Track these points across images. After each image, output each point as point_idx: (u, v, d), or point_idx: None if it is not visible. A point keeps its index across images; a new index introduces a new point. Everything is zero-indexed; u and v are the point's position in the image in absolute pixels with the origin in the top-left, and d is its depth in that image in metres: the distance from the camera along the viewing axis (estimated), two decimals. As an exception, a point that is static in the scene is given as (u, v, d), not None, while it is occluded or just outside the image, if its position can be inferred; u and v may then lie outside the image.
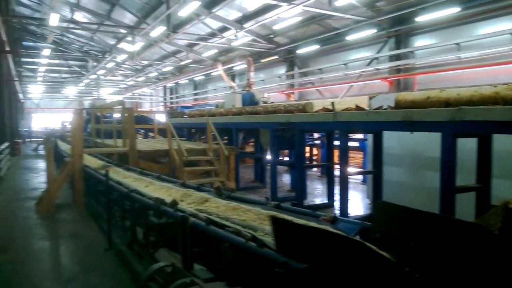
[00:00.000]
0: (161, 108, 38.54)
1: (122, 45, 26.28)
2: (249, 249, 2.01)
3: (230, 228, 2.37)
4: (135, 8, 19.77)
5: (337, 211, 7.98)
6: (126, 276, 4.37)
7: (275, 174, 8.67)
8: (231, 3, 16.38)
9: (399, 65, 14.87)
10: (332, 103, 7.09)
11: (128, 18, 21.43)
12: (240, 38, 18.59)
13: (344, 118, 6.50)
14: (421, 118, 5.31)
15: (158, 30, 16.53)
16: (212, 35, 19.70)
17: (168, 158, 9.30)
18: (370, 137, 8.49)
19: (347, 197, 6.71)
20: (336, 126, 6.72)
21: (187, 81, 32.57)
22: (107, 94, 41.15)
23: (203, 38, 20.41)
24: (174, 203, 3.34)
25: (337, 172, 8.69)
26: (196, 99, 32.94)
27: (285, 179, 12.28)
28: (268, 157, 11.53)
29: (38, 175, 12.63)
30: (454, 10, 12.15)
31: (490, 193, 5.74)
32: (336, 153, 8.67)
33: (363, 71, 16.61)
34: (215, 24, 19.00)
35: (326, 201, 8.78)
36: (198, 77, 29.90)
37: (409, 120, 5.42)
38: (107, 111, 13.92)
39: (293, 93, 20.57)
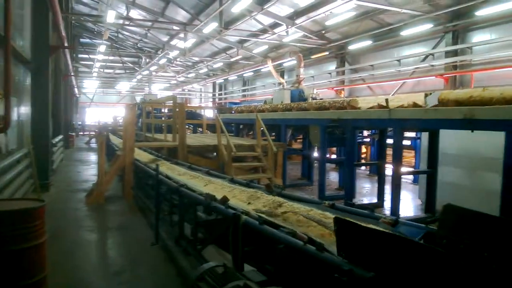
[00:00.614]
0: (210, 104, 39.15)
1: (174, 42, 26.93)
2: (308, 252, 1.87)
3: (285, 229, 2.25)
4: (188, 5, 20.10)
5: (387, 211, 7.64)
6: (172, 271, 4.38)
7: (324, 171, 8.46)
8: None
9: (455, 62, 14.02)
10: (386, 100, 6.77)
11: (181, 15, 21.84)
12: (291, 34, 18.37)
13: (399, 115, 6.19)
14: (484, 116, 4.95)
15: (211, 27, 16.70)
16: (263, 31, 19.63)
17: (217, 153, 9.37)
18: (424, 135, 8.06)
19: (399, 197, 6.38)
20: (390, 124, 6.40)
21: (236, 77, 32.83)
22: (158, 90, 42.43)
23: (254, 35, 20.41)
24: (224, 199, 3.27)
25: (388, 171, 8.36)
26: (244, 95, 33.13)
27: (333, 177, 12.01)
28: (316, 154, 11.35)
29: (90, 168, 13.19)
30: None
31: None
32: (387, 151, 8.37)
33: (417, 68, 15.85)
34: (267, 21, 18.91)
35: (375, 200, 8.45)
36: (247, 74, 29.99)
37: (471, 118, 5.05)
38: (159, 106, 14.26)
39: (343, 89, 20.07)
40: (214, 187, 4.46)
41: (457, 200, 7.18)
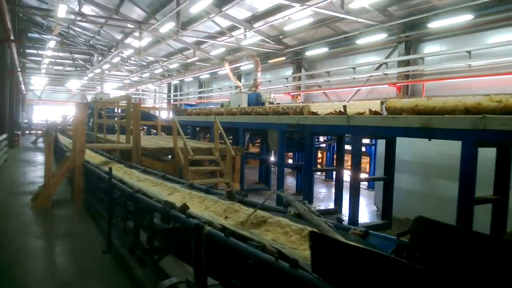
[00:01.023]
0: (165, 105, 38.33)
1: (128, 40, 26.08)
2: (280, 269, 1.75)
3: (254, 242, 2.12)
4: (144, 3, 19.53)
5: (345, 217, 7.73)
6: (126, 282, 4.11)
7: (283, 176, 8.44)
8: (241, 3, 16.14)
9: (408, 71, 14.62)
10: (344, 106, 6.86)
11: (137, 14, 21.19)
12: (249, 38, 18.34)
13: (358, 122, 6.27)
14: (441, 126, 5.10)
15: (167, 26, 16.30)
16: (221, 33, 19.46)
17: (173, 156, 9.09)
18: (380, 142, 8.27)
19: (358, 204, 6.46)
20: (349, 130, 6.48)
21: (192, 79, 32.38)
22: (111, 89, 40.97)
23: (212, 37, 20.17)
24: (184, 208, 3.09)
25: (345, 177, 8.49)
26: (200, 97, 32.74)
27: (289, 181, 12.06)
28: (274, 158, 11.35)
29: (36, 169, 12.38)
30: (466, 18, 11.89)
31: (507, 205, 5.55)
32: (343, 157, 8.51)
33: (371, 76, 16.36)
34: (225, 23, 18.78)
35: (332, 206, 8.55)
36: (204, 76, 29.67)
37: (429, 127, 5.20)
38: (112, 106, 13.67)
39: (299, 95, 20.32)
40: (181, 196, 4.22)
41: (411, 206, 7.42)
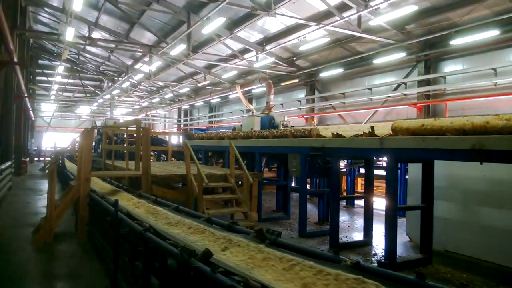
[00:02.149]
0: (175, 130, 38.01)
1: (138, 65, 25.97)
2: None
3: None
4: (154, 28, 19.36)
5: (377, 250, 6.95)
6: None
7: (305, 204, 7.70)
8: (252, 25, 15.82)
9: (428, 91, 13.98)
10: (372, 127, 6.19)
11: (147, 38, 21.05)
12: (260, 60, 17.95)
13: (393, 144, 5.58)
14: (497, 147, 4.39)
15: (178, 49, 15.96)
16: (233, 56, 19.12)
17: (184, 184, 8.45)
18: (412, 166, 7.55)
19: (395, 235, 5.69)
20: (383, 153, 5.79)
21: (203, 103, 32.09)
22: (120, 115, 40.90)
23: (223, 60, 19.86)
24: (207, 254, 2.41)
25: (368, 205, 7.72)
26: (211, 122, 32.35)
27: (308, 209, 11.24)
28: (293, 184, 10.64)
29: (42, 197, 11.78)
30: (490, 34, 11.28)
31: None
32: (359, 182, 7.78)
33: (388, 96, 15.74)
34: (236, 46, 18.45)
35: (360, 237, 7.76)
36: (214, 100, 29.34)
37: (481, 148, 4.50)
38: (121, 131, 13.16)
39: (313, 117, 19.72)
40: (199, 234, 3.50)
41: (450, 237, 6.63)
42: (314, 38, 14.67)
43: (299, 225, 7.77)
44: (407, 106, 14.37)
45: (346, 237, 7.84)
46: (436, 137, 5.02)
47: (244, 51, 18.75)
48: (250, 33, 17.51)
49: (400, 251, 7.02)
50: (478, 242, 6.45)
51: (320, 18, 13.17)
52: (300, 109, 20.72)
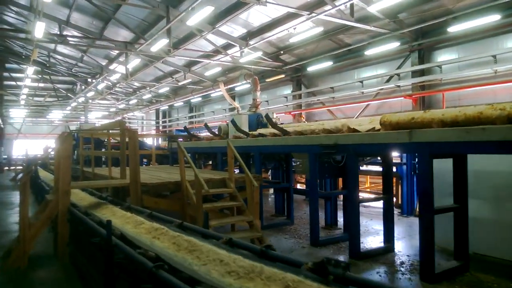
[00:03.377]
0: (153, 132, 36.67)
1: (113, 66, 24.66)
2: None
3: None
4: (131, 25, 18.15)
5: (402, 257, 6.21)
6: None
7: (317, 209, 6.90)
8: (235, 19, 14.94)
9: (424, 81, 13.43)
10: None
11: (122, 36, 19.81)
12: (245, 56, 17.07)
13: (426, 137, 4.84)
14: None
15: (160, 44, 14.88)
16: (216, 52, 18.14)
17: (173, 191, 7.51)
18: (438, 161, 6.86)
19: (432, 243, 4.95)
20: (413, 148, 5.04)
21: (183, 103, 30.93)
22: (95, 118, 39.20)
23: (206, 56, 18.87)
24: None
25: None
26: (191, 122, 31.23)
27: (306, 211, 10.47)
28: (299, 186, 9.85)
29: (13, 212, 10.59)
30: (492, 18, 10.73)
31: None
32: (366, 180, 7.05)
33: (381, 89, 15.15)
34: (218, 42, 17.50)
35: (378, 242, 7.04)
36: (195, 99, 28.29)
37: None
38: (101, 135, 12.04)
39: (301, 113, 18.98)
40: (223, 266, 2.63)
41: (480, 238, 5.94)
42: (302, 30, 13.90)
43: (310, 232, 6.96)
44: (402, 98, 13.79)
45: (362, 242, 7.08)
46: (484, 127, 4.30)
47: (227, 46, 17.84)
48: (233, 28, 16.62)
49: (416, 254, 6.34)
50: (509, 242, 5.82)
51: (310, 7, 12.38)
52: (286, 105, 19.95)
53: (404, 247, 6.80)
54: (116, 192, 8.06)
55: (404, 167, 9.52)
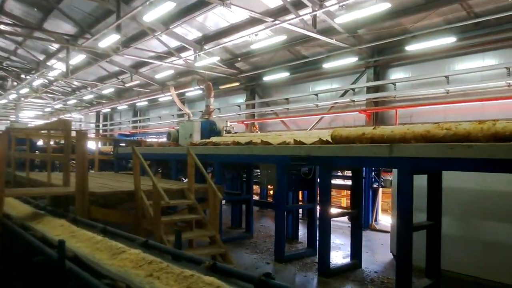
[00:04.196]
0: (92, 136, 34.52)
1: (52, 62, 22.87)
2: None
3: None
4: (73, 19, 16.85)
5: (371, 274, 5.98)
6: None
7: (283, 224, 6.51)
8: (191, 21, 14.37)
9: (378, 98, 13.71)
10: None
11: (64, 30, 18.30)
12: (199, 60, 16.49)
13: (407, 152, 4.65)
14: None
15: (110, 40, 13.82)
16: (168, 54, 17.31)
17: (121, 202, 6.73)
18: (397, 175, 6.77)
19: (410, 264, 4.73)
20: (393, 163, 4.82)
21: (127, 106, 29.39)
22: (28, 118, 36.18)
23: (157, 58, 17.96)
24: None
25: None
26: (135, 127, 29.78)
27: (267, 224, 10.06)
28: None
29: None
30: (448, 40, 11.17)
31: None
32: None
33: (335, 103, 15.27)
34: (172, 44, 16.75)
35: (342, 258, 6.79)
36: (140, 103, 27.02)
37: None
38: (37, 136, 10.82)
39: (254, 123, 18.67)
40: None
41: (449, 254, 5.87)
42: (261, 38, 13.63)
43: (275, 247, 6.54)
44: (357, 112, 13.95)
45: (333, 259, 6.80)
46: (469, 144, 4.16)
47: (180, 49, 17.13)
48: (188, 30, 15.98)
49: (389, 273, 6.16)
50: (476, 258, 5.82)
51: (272, 15, 12.13)
52: (239, 114, 19.55)
53: (370, 262, 6.60)
54: (56, 201, 7.12)
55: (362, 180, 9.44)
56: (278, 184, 6.40)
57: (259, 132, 16.13)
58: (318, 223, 5.77)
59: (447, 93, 11.83)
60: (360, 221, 6.25)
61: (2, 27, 18.53)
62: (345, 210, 6.12)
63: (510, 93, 10.74)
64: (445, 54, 12.05)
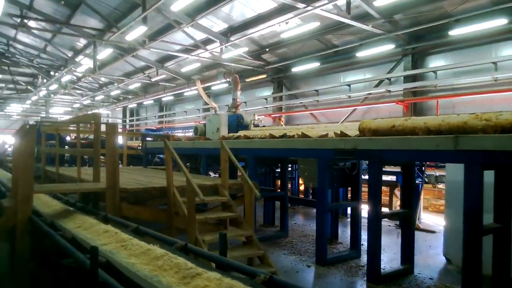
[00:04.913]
0: (120, 131, 34.76)
1: (80, 58, 22.96)
2: None
3: None
4: (100, 13, 16.72)
5: (425, 280, 5.42)
6: None
7: (325, 224, 6.01)
8: (216, 12, 13.90)
9: (417, 87, 12.93)
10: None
11: (91, 25, 18.25)
12: (225, 53, 16.08)
13: (477, 145, 4.07)
14: None
15: (136, 32, 13.59)
16: (195, 46, 16.96)
17: (147, 199, 6.36)
18: (452, 169, 6.15)
19: (480, 269, 4.16)
20: (460, 158, 4.24)
21: (153, 101, 29.39)
22: (57, 114, 36.81)
23: (183, 51, 17.67)
24: None
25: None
26: (161, 122, 29.76)
27: (300, 222, 9.58)
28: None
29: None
30: (498, 22, 10.25)
31: None
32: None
33: (369, 93, 14.58)
34: (197, 36, 16.38)
35: (389, 261, 6.23)
36: (166, 98, 26.91)
37: None
38: (68, 131, 10.66)
39: (281, 117, 18.16)
40: None
41: None
42: (289, 27, 13.07)
43: (317, 249, 6.05)
44: (393, 103, 13.23)
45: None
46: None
47: (206, 42, 16.76)
48: (213, 22, 15.59)
49: (445, 279, 5.58)
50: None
51: (302, 1, 11.55)
52: (266, 107, 19.07)
53: (422, 267, 6.02)
54: (85, 197, 6.87)
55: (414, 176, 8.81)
56: (320, 180, 5.90)
57: (283, 125, 15.67)
58: (367, 224, 5.22)
59: (495, 81, 10.97)
60: (412, 222, 5.68)
61: (32, 24, 18.69)
62: (396, 210, 5.54)
63: None
64: (492, 39, 11.18)
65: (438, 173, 9.75)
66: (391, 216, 6.67)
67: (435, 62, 12.83)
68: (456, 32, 11.05)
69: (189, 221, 5.29)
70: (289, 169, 10.94)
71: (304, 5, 10.37)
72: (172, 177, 5.87)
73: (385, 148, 4.90)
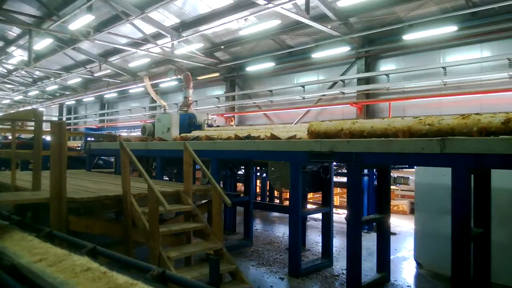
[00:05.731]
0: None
1: (12, 49, 20.91)
2: None
3: None
4: (39, 0, 15.17)
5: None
6: None
7: (299, 232, 5.62)
8: (168, 5, 13.13)
9: (370, 90, 13.08)
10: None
11: (27, 12, 16.53)
12: (177, 49, 15.31)
13: (465, 148, 3.88)
14: None
15: (82, 21, 12.43)
16: (144, 41, 15.94)
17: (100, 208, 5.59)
18: (422, 172, 6.03)
19: (468, 279, 3.97)
20: (446, 161, 4.03)
21: (93, 99, 27.60)
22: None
23: (131, 44, 16.57)
24: None
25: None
26: (102, 121, 28.03)
27: (280, 231, 9.04)
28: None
29: None
30: (449, 29, 10.62)
31: None
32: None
33: (323, 95, 14.55)
34: (147, 30, 15.43)
35: (371, 272, 5.95)
36: (108, 95, 25.36)
37: None
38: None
39: (233, 117, 17.69)
40: None
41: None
42: (246, 25, 12.65)
43: (290, 259, 5.64)
44: (347, 105, 13.26)
45: (344, 269, 5.97)
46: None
47: (156, 36, 15.85)
48: (165, 16, 14.77)
49: (418, 284, 5.42)
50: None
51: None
52: (218, 107, 18.50)
53: (395, 273, 5.83)
54: (21, 206, 5.91)
55: (366, 178, 8.72)
56: (293, 185, 5.50)
57: (234, 125, 15.26)
58: (347, 231, 4.88)
59: (444, 85, 11.33)
60: (388, 227, 5.45)
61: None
62: (374, 216, 5.25)
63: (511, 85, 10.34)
64: (441, 45, 11.56)
65: (396, 174, 9.81)
66: (368, 222, 6.40)
67: (388, 65, 13.06)
68: (408, 37, 11.31)
69: (151, 235, 4.64)
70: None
71: (266, 2, 9.97)
72: (130, 184, 5.17)
73: (367, 151, 4.60)
